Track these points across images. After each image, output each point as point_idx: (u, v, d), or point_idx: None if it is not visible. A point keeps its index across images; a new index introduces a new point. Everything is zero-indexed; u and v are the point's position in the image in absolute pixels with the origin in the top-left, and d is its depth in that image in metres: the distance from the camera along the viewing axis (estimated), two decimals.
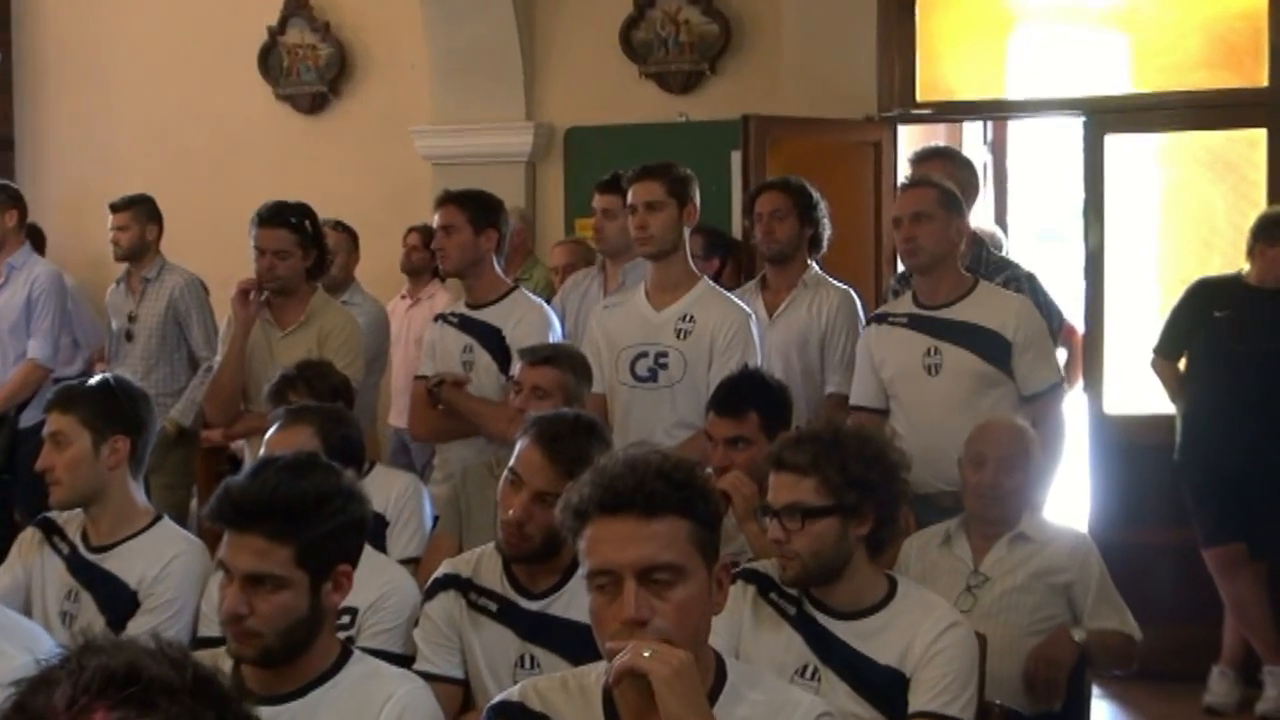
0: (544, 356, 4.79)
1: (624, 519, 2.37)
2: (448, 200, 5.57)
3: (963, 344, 5.05)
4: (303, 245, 5.62)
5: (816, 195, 5.91)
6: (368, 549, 3.01)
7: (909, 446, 4.87)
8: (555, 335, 5.52)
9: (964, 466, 4.47)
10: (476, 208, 5.52)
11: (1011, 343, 5.05)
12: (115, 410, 3.92)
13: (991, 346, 5.05)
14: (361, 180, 8.73)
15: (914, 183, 5.34)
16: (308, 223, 5.66)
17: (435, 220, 5.58)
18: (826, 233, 5.95)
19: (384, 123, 8.85)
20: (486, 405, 5.38)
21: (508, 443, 5.10)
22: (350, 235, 7.29)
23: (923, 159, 5.98)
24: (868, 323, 5.45)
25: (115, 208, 7.33)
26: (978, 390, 5.02)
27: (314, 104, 9.12)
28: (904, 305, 5.27)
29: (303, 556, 2.68)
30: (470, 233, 5.49)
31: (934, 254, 5.09)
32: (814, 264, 5.94)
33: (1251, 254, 6.46)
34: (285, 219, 5.61)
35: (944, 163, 5.89)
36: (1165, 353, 6.63)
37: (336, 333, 5.64)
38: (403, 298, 7.91)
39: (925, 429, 4.96)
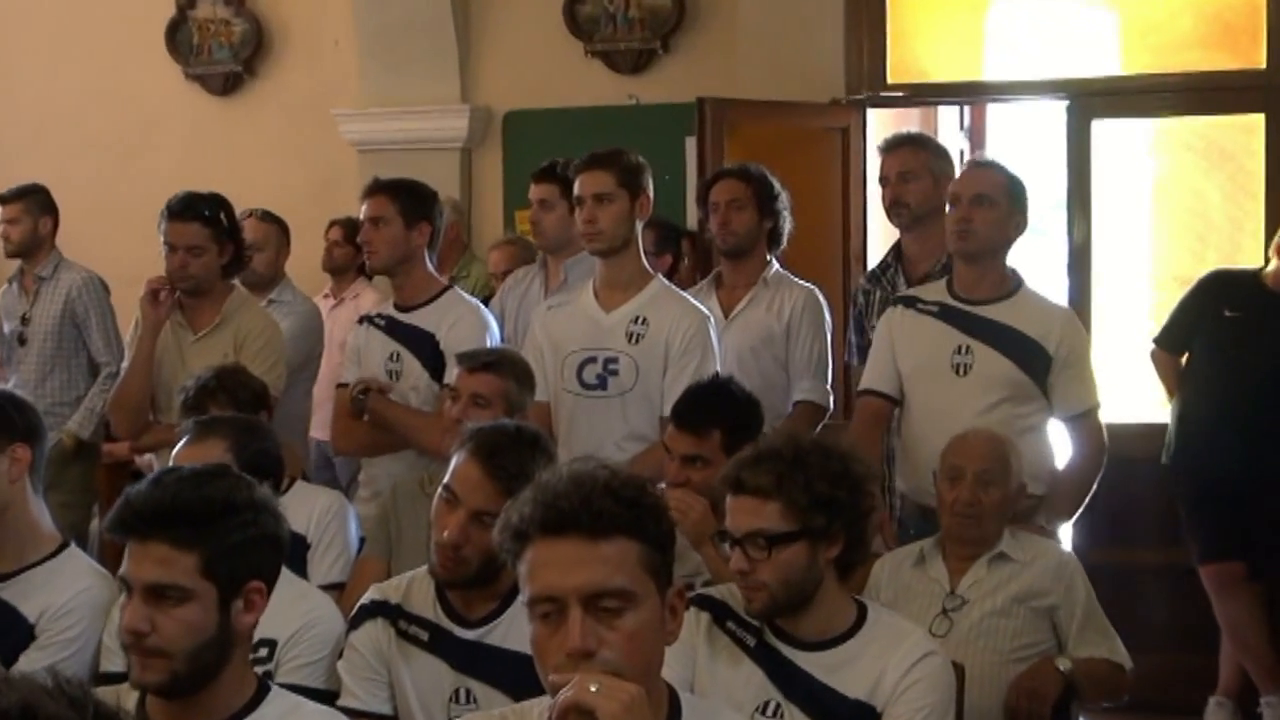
0: (485, 362, 4.78)
1: (568, 540, 2.37)
2: (377, 190, 5.55)
3: (998, 346, 5.01)
4: (218, 240, 5.59)
5: (777, 185, 5.91)
6: (287, 574, 3.00)
7: (921, 453, 4.84)
8: (493, 339, 5.51)
9: (939, 481, 4.49)
10: (409, 198, 5.50)
11: (1052, 358, 5.00)
12: (4, 419, 3.87)
13: (1029, 357, 5.00)
14: (280, 169, 8.69)
15: (983, 163, 5.29)
16: (223, 215, 5.63)
17: (362, 212, 5.56)
18: (787, 227, 5.94)
19: (305, 105, 8.82)
20: (418, 415, 5.37)
21: (441, 457, 5.09)
22: (280, 227, 7.26)
23: (893, 147, 5.99)
24: (894, 303, 5.36)
25: (4, 199, 7.27)
26: (1008, 401, 4.97)
27: (227, 85, 9.07)
28: (935, 292, 5.20)
29: (210, 566, 2.67)
30: (401, 226, 5.47)
31: (987, 244, 5.05)
32: (774, 261, 5.95)
33: (1269, 252, 6.47)
34: (198, 211, 5.58)
35: (917, 151, 5.90)
36: (1167, 345, 6.61)
37: (255, 336, 5.62)
38: (325, 297, 7.88)
39: (944, 436, 4.71)
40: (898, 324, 5.21)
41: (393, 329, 5.54)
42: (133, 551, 2.70)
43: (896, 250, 6.01)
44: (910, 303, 5.23)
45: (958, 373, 5.03)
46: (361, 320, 5.73)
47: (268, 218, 7.06)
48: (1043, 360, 5.01)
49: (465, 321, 5.49)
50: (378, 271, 5.74)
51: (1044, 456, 5.06)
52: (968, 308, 5.08)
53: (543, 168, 6.13)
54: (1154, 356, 6.66)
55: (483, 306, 5.75)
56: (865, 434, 5.20)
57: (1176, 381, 6.60)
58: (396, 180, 5.61)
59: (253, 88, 9.08)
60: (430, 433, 5.11)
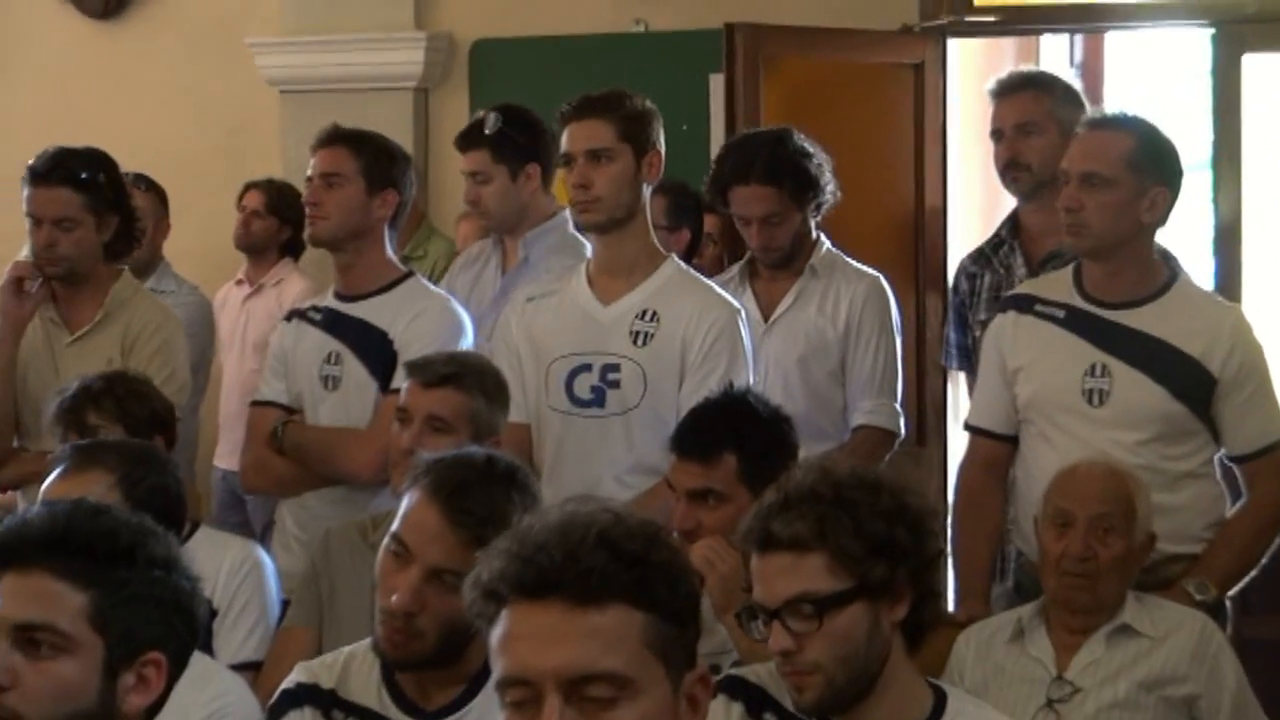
0: (443, 374, 4.76)
1: (550, 606, 2.36)
2: (336, 139, 5.52)
3: (1144, 367, 4.88)
4: (97, 211, 5.59)
5: (816, 158, 5.83)
6: None
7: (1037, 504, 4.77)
8: (467, 345, 5.48)
9: (1041, 531, 4.48)
10: (376, 156, 5.48)
11: (1218, 379, 4.87)
12: None
13: (1186, 378, 4.87)
14: (178, 115, 8.71)
15: (1098, 123, 5.12)
16: (103, 177, 5.63)
17: (311, 167, 5.50)
18: (829, 186, 5.89)
19: (211, 32, 8.82)
20: (338, 433, 5.40)
21: (374, 483, 5.08)
22: (157, 195, 7.27)
23: (1008, 91, 5.94)
24: (1003, 307, 5.25)
25: None
26: (1158, 440, 4.86)
27: (110, 5, 9.08)
28: (1060, 290, 5.06)
29: (100, 614, 2.66)
30: (362, 189, 5.43)
31: (1106, 236, 4.89)
32: (823, 238, 5.94)
33: None
34: (70, 173, 5.57)
35: (1039, 95, 5.85)
36: None
37: (148, 335, 5.63)
38: (239, 283, 7.89)
39: None
40: (1010, 335, 5.09)
41: (333, 323, 5.51)
42: (5, 587, 2.68)
43: (1013, 222, 5.97)
44: (1026, 305, 5.10)
45: (1090, 401, 4.91)
46: (290, 316, 5.71)
47: (140, 183, 7.02)
48: (1204, 383, 4.88)
49: (430, 316, 5.47)
50: (321, 243, 5.60)
51: (1206, 510, 4.95)
52: (1102, 313, 4.95)
53: (463, 131, 6.11)
54: None
55: (456, 303, 5.68)
56: (980, 485, 5.18)
57: None
58: (361, 132, 5.58)
59: (143, 9, 9.08)
60: (354, 450, 5.20)
